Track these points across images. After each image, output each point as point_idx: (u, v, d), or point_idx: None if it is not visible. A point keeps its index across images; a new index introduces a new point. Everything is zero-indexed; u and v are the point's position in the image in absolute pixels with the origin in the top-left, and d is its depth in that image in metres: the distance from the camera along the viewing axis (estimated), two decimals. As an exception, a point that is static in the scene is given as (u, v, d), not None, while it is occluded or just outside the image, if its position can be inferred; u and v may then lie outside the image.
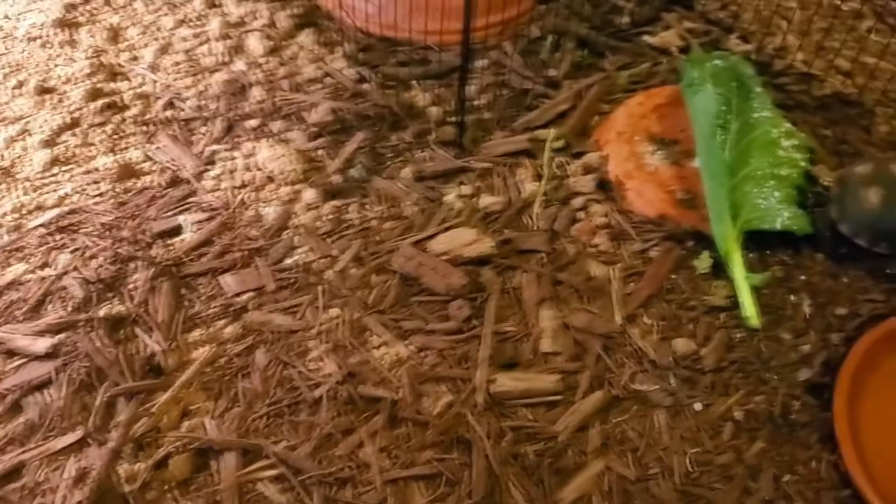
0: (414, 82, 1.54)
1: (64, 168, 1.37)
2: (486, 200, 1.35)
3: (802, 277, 1.29)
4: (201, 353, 1.15)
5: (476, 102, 1.51)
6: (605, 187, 1.39)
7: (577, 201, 1.36)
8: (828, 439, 1.11)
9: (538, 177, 1.39)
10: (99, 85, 1.49)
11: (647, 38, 1.63)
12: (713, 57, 1.45)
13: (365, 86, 1.50)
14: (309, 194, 1.32)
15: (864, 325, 1.23)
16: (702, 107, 1.36)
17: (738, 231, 1.28)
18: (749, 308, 1.22)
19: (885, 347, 1.19)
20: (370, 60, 1.55)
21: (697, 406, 1.15)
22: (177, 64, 1.51)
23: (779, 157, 1.37)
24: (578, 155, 1.44)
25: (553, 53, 1.59)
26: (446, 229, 1.30)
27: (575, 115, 1.48)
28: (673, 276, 1.28)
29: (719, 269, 1.28)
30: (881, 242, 1.26)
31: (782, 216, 1.30)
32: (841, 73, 1.59)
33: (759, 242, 1.32)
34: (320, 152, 1.39)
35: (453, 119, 1.47)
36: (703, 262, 1.29)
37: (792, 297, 1.26)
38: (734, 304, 1.24)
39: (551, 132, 1.45)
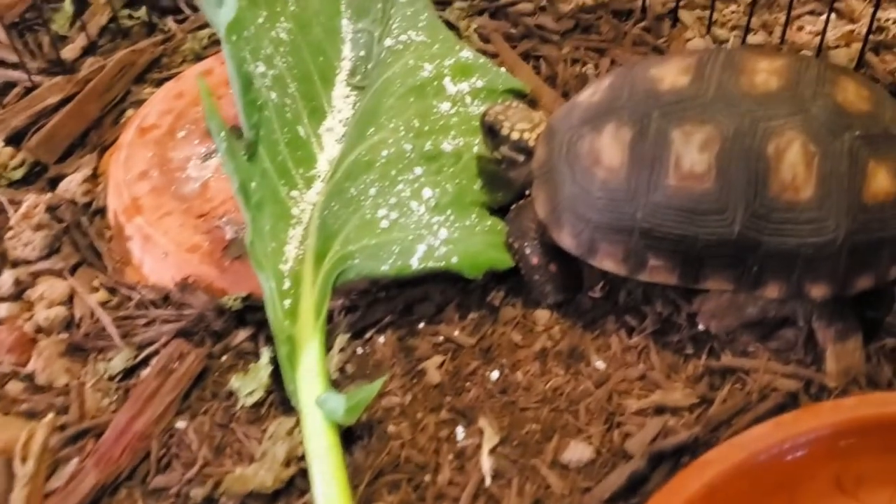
0: None
1: None
2: None
3: (493, 375, 0.53)
4: None
5: None
6: (79, 240, 0.64)
7: (7, 279, 0.61)
8: None
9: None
10: None
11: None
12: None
13: None
14: None
15: (639, 484, 0.47)
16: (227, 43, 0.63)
17: (319, 291, 0.53)
18: (328, 486, 0.46)
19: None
20: None
21: None
22: None
23: (436, 117, 0.64)
24: (56, 182, 0.70)
25: (77, 19, 0.87)
26: None
27: (64, 112, 0.75)
28: (177, 426, 0.52)
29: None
30: (651, 253, 0.51)
31: (429, 241, 0.56)
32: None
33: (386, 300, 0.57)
34: None
35: None
36: (254, 377, 0.53)
37: (459, 434, 0.50)
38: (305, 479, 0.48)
39: (-5, 149, 0.70)
